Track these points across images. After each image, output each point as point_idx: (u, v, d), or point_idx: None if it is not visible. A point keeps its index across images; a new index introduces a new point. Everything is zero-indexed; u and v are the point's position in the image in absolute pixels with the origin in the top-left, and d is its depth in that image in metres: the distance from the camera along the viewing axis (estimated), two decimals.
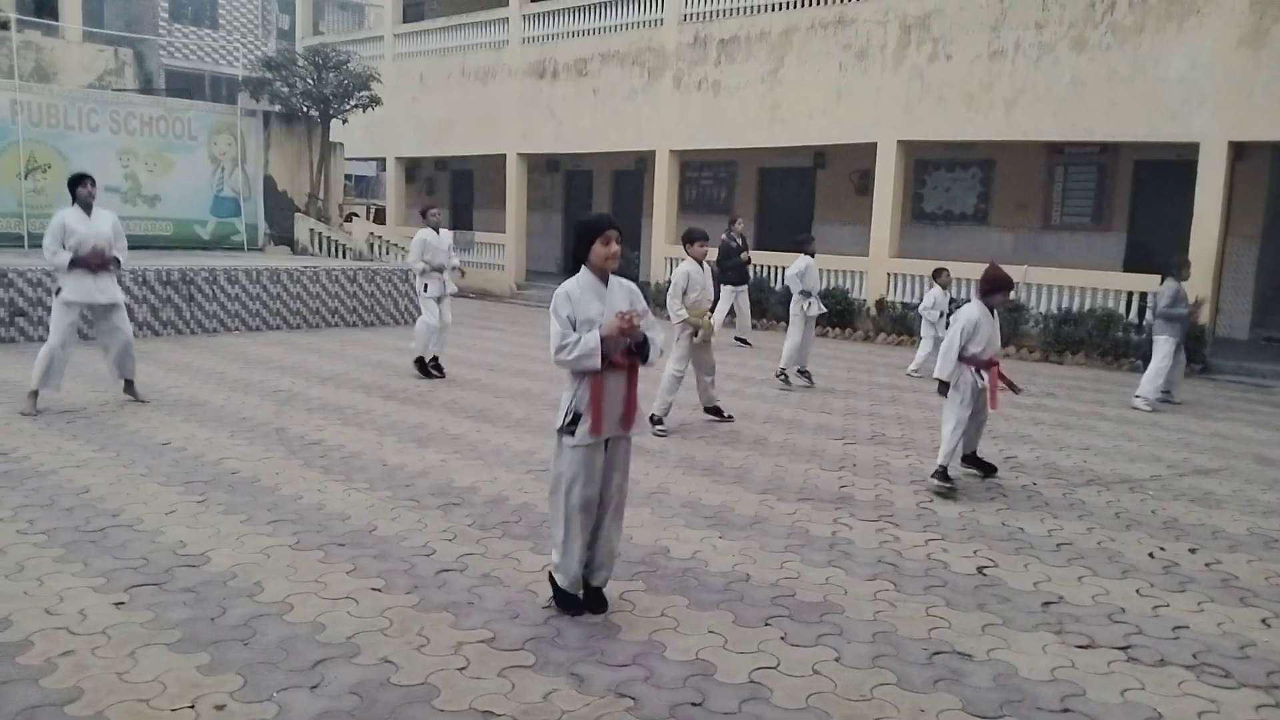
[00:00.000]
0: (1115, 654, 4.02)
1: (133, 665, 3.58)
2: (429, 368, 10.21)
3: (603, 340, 3.93)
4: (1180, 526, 5.86)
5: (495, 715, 3.33)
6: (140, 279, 12.20)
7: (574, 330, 3.98)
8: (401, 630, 3.97)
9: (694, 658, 3.83)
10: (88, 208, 7.71)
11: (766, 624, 4.18)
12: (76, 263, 7.57)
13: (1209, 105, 12.29)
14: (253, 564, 4.62)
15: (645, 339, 4.07)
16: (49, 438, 6.93)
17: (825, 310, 11.07)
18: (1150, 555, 5.30)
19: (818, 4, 15.83)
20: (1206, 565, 5.17)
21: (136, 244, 16.00)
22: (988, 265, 6.62)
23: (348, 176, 38.33)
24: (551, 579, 4.30)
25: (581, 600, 4.23)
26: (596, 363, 3.93)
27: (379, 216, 28.65)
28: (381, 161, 26.64)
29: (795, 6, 16.12)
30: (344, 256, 17.83)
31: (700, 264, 8.05)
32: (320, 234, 18.04)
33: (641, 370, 4.20)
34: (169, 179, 16.87)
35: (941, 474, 6.34)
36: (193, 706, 3.31)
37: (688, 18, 17.58)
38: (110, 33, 21.50)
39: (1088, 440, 8.25)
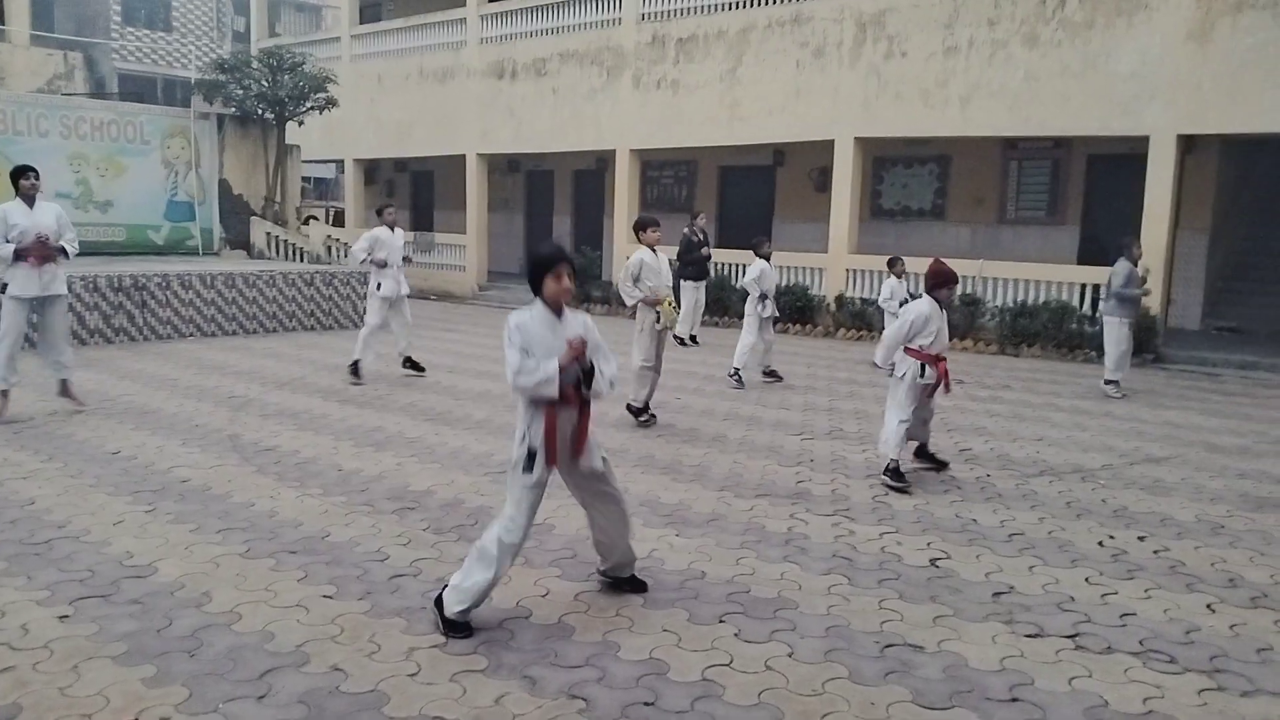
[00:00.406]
0: (1064, 642, 4.07)
1: (76, 679, 3.51)
2: (406, 365, 10.25)
3: (561, 370, 3.89)
4: (1130, 515, 5.95)
5: None
6: (91, 285, 11.99)
7: (531, 357, 3.94)
8: (352, 637, 3.93)
9: (648, 657, 3.83)
10: (30, 200, 7.57)
11: (721, 621, 4.19)
12: (20, 254, 7.44)
13: (1159, 99, 12.50)
14: (201, 574, 4.55)
15: (593, 368, 4.04)
16: None
17: (778, 315, 11.05)
18: (1100, 544, 5.37)
19: (774, 3, 15.90)
20: (1155, 553, 5.25)
21: (89, 250, 15.74)
22: (932, 261, 6.70)
23: (306, 179, 37.93)
24: (440, 605, 4.03)
25: (472, 627, 4.01)
26: (554, 390, 3.88)
27: (338, 219, 28.38)
28: (341, 163, 26.38)
29: (752, 5, 16.18)
30: (301, 260, 17.64)
31: (654, 251, 8.04)
32: (277, 237, 17.83)
33: (594, 406, 4.18)
34: (121, 184, 16.58)
35: (894, 472, 6.39)
36: (136, 719, 3.26)
37: (645, 17, 17.58)
38: (60, 36, 21.14)
39: (1041, 431, 8.35)
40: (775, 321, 11.00)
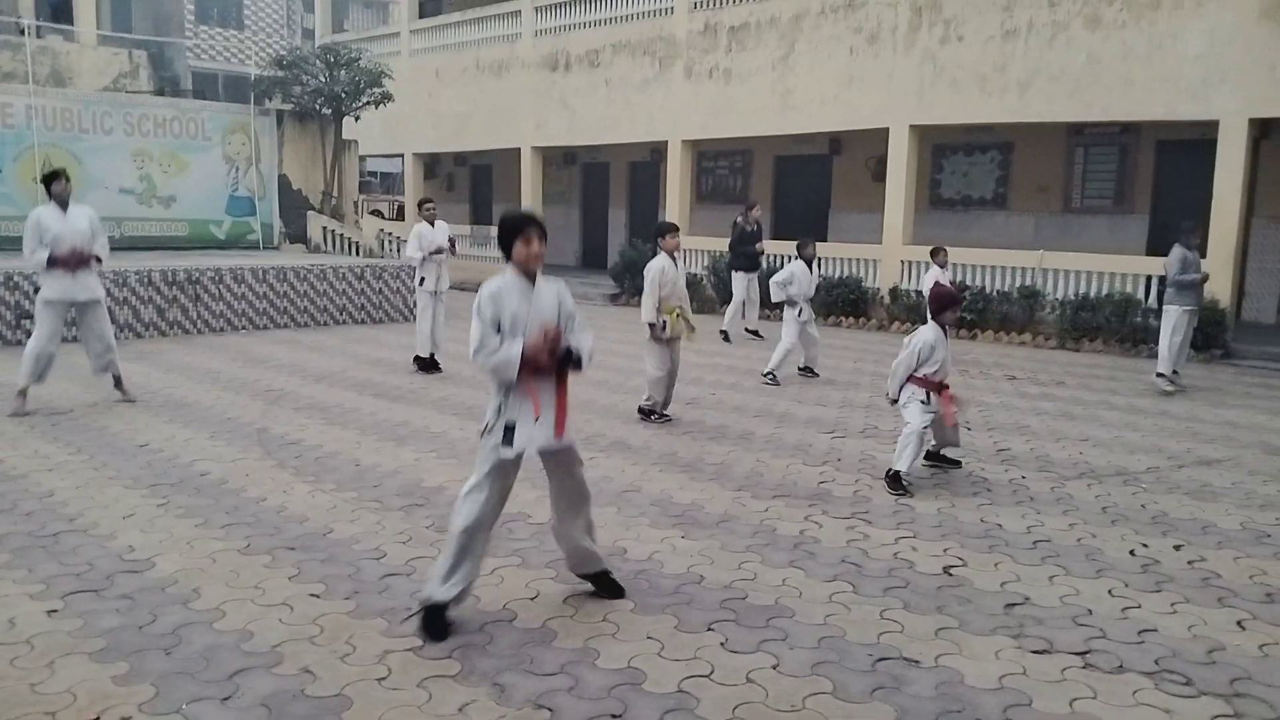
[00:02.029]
0: (1072, 659, 3.83)
1: (49, 675, 3.53)
2: (428, 364, 10.20)
3: (524, 352, 3.82)
4: (1169, 521, 5.62)
5: None
6: (146, 279, 12.28)
7: (496, 332, 3.86)
8: (330, 638, 3.88)
9: (625, 665, 3.71)
10: (64, 204, 7.72)
11: (709, 629, 4.04)
12: (54, 261, 7.60)
13: (1229, 82, 11.87)
14: (196, 569, 4.56)
15: (569, 351, 3.94)
16: (30, 441, 6.95)
17: (812, 316, 10.61)
18: (1131, 553, 5.07)
19: None
20: (1189, 563, 4.94)
21: (151, 245, 16.27)
22: (933, 285, 6.52)
23: (373, 173, 38.58)
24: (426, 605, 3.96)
25: (447, 625, 3.94)
26: (513, 374, 3.83)
27: (401, 212, 28.76)
28: (400, 157, 26.70)
29: None
30: (356, 253, 17.87)
31: (672, 258, 7.85)
32: (332, 231, 18.09)
33: (572, 377, 4.07)
34: (184, 180, 16.99)
35: (894, 479, 6.15)
36: (98, 719, 3.24)
37: (697, 5, 17.36)
38: (132, 36, 21.74)
39: (1089, 431, 7.98)
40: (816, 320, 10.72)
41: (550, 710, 3.37)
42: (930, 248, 11.34)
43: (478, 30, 21.67)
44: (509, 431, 3.90)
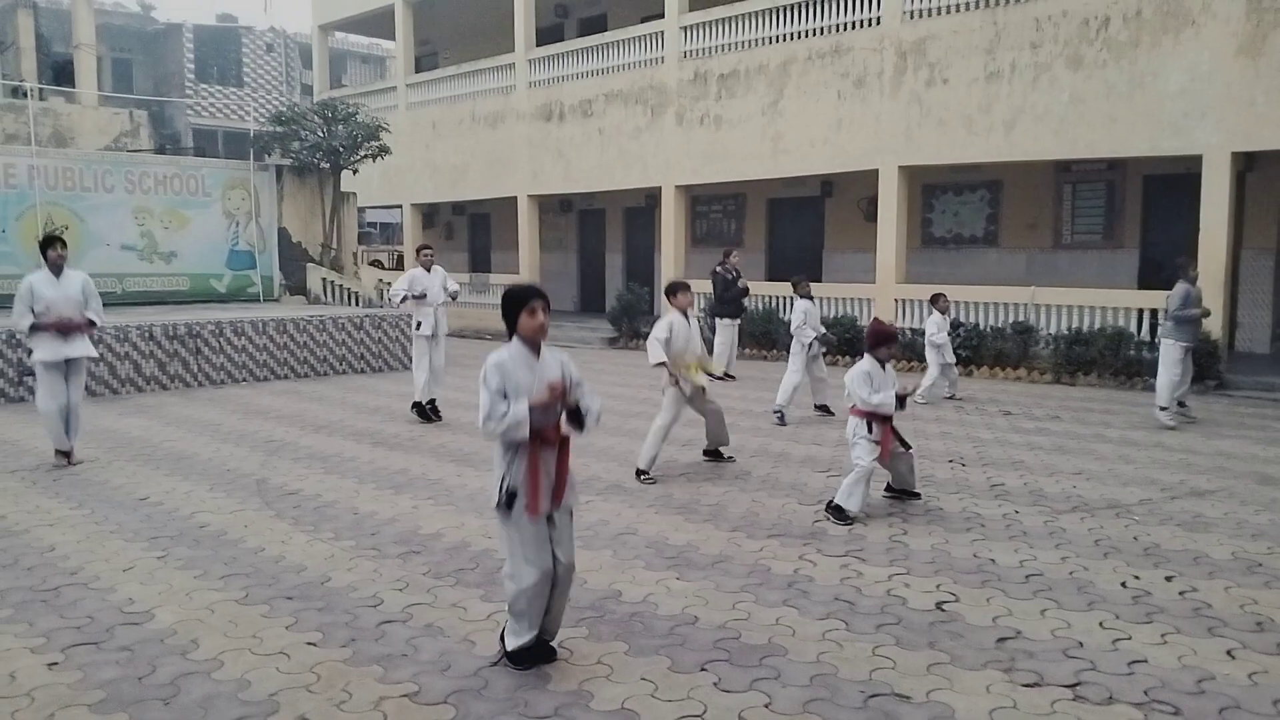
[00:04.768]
0: (1062, 692, 3.86)
1: None
2: (427, 411, 10.26)
3: (532, 410, 3.87)
4: (1161, 553, 5.66)
5: None
6: (148, 334, 12.40)
7: (504, 398, 3.92)
8: (326, 686, 3.92)
9: (619, 707, 3.74)
10: (58, 270, 7.83)
11: (703, 669, 4.08)
12: (39, 327, 7.69)
13: (1210, 117, 12.09)
14: (194, 620, 4.61)
15: (578, 407, 4.04)
16: (32, 496, 7.02)
17: (830, 340, 10.99)
18: (1123, 584, 5.11)
19: (814, 35, 15.86)
20: (1180, 594, 4.98)
21: (154, 299, 16.43)
22: (873, 321, 6.79)
23: (372, 224, 38.97)
24: (503, 641, 4.17)
25: (533, 652, 4.12)
26: (524, 433, 3.87)
27: (401, 262, 29.03)
28: (397, 208, 27.02)
29: (792, 39, 16.17)
30: (356, 303, 18.04)
31: (685, 315, 7.92)
32: (332, 282, 18.27)
33: (575, 441, 4.17)
34: (184, 235, 17.21)
35: (837, 511, 6.33)
36: None
37: (687, 54, 17.70)
38: (127, 96, 22.16)
39: (1083, 464, 8.03)
40: (825, 354, 10.97)
41: None
42: (932, 293, 11.55)
43: (473, 83, 22.05)
44: (512, 498, 3.97)
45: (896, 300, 15.26)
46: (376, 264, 30.15)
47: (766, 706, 3.74)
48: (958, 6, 14.17)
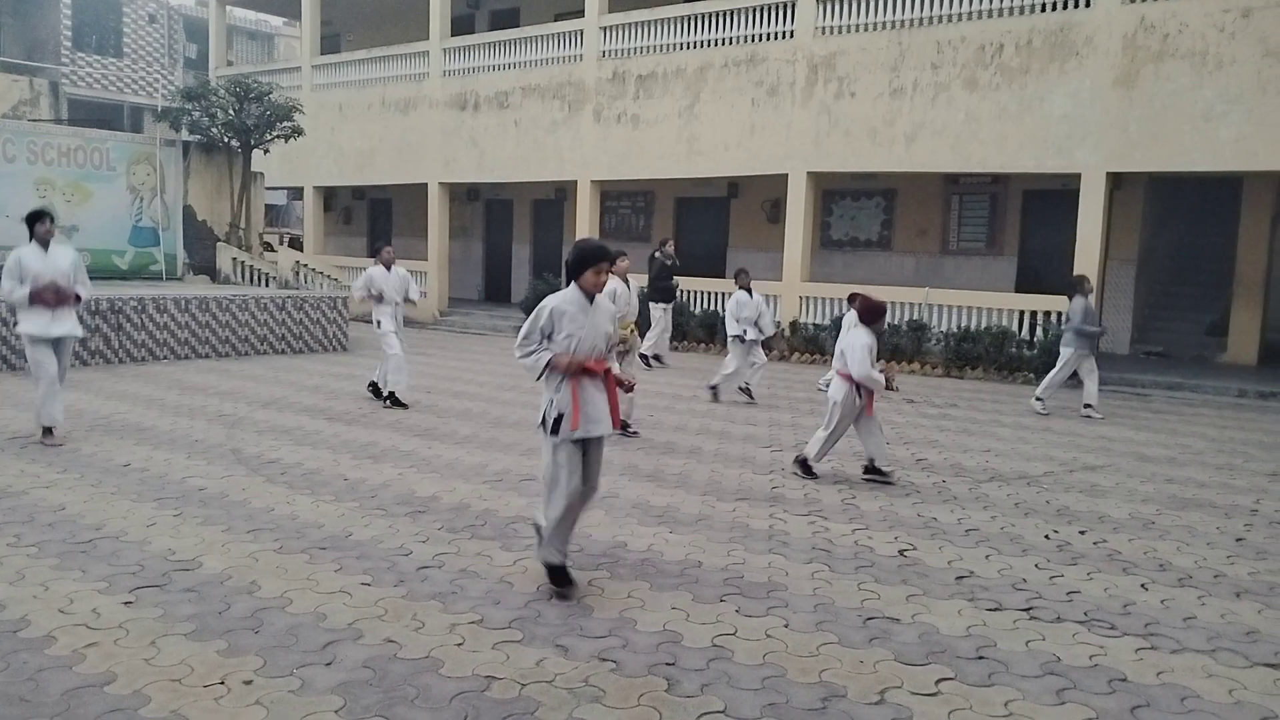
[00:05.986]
0: (1020, 614, 4.68)
1: (156, 652, 3.92)
2: (385, 399, 10.25)
3: (553, 363, 4.61)
4: (1071, 513, 6.63)
5: (497, 679, 3.79)
6: None
7: (539, 340, 4.66)
8: (397, 616, 4.38)
9: (662, 629, 4.35)
10: (45, 244, 7.84)
11: (722, 600, 4.73)
12: (34, 298, 7.70)
13: (1089, 140, 13.47)
14: (244, 566, 4.96)
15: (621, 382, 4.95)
16: (7, 461, 7.08)
17: (768, 334, 11.48)
18: (1046, 537, 6.02)
19: (730, 43, 16.70)
20: (1095, 544, 5.92)
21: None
22: (861, 297, 7.52)
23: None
24: (545, 563, 4.82)
25: (565, 574, 4.78)
26: (534, 377, 4.70)
27: (293, 245, 28.57)
28: (295, 190, 26.59)
29: (709, 46, 16.96)
30: (268, 285, 17.89)
31: (625, 280, 8.57)
32: (243, 263, 18.07)
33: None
34: (87, 209, 16.75)
35: (804, 465, 7.35)
36: (223, 683, 3.68)
37: (607, 54, 18.28)
38: (11, 60, 21.12)
39: (989, 444, 9.06)
40: (766, 345, 11.70)
41: (614, 662, 3.98)
42: (848, 294, 12.45)
43: (383, 69, 22.02)
44: (558, 422, 4.63)
45: (801, 298, 16.25)
46: (268, 245, 29.48)
47: (786, 626, 4.42)
48: (866, 26, 15.24)
